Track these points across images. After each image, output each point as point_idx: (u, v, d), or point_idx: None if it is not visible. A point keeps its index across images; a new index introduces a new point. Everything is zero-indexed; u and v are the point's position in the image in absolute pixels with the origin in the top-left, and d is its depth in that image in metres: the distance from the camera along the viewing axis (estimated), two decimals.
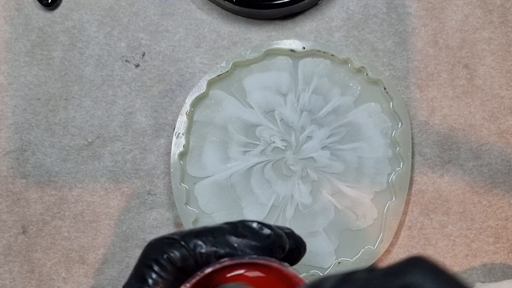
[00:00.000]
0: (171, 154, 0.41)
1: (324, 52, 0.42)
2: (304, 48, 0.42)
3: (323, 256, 0.41)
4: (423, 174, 0.42)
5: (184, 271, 0.27)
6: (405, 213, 0.42)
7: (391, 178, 0.41)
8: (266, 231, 0.28)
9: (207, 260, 0.27)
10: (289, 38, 0.43)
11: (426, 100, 0.43)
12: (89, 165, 0.43)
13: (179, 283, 0.27)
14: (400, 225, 0.42)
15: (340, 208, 0.41)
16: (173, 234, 0.28)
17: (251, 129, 0.42)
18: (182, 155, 0.41)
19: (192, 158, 0.42)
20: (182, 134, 0.41)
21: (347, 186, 0.41)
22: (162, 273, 0.27)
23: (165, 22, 0.44)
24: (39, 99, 0.43)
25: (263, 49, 0.42)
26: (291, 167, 0.42)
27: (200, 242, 0.27)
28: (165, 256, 0.27)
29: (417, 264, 0.19)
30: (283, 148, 0.42)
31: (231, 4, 0.42)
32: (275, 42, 0.42)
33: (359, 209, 0.41)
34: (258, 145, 0.42)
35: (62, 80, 0.43)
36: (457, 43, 0.43)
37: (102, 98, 0.43)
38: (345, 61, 0.42)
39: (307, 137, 0.42)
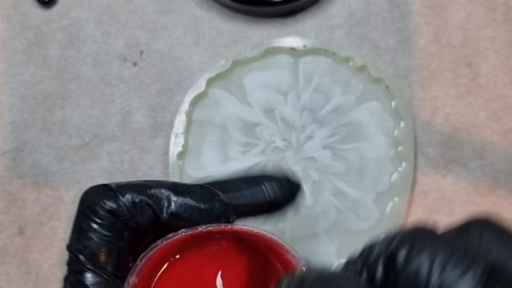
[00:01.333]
0: (170, 154, 0.41)
1: (325, 51, 0.41)
2: (304, 46, 0.41)
3: (324, 257, 0.40)
4: (426, 174, 0.42)
5: (117, 216, 0.26)
6: (407, 214, 0.41)
7: (393, 178, 0.41)
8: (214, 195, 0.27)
9: (141, 210, 0.26)
10: (289, 36, 0.42)
11: (428, 99, 0.42)
12: (86, 165, 0.42)
13: (120, 233, 0.26)
14: (403, 226, 0.41)
15: (342, 209, 0.41)
16: (111, 183, 0.27)
17: (251, 129, 0.42)
18: (181, 155, 0.41)
19: (191, 158, 0.41)
20: (181, 134, 0.41)
21: (348, 186, 0.41)
22: (100, 221, 0.26)
23: (163, 20, 0.43)
24: (36, 98, 0.43)
25: (263, 47, 0.41)
26: (291, 167, 0.41)
27: (135, 195, 0.26)
28: (99, 203, 0.26)
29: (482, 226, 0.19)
30: (284, 147, 0.41)
31: (230, 1, 0.41)
32: (275, 40, 0.42)
33: (361, 210, 0.41)
34: (258, 144, 0.41)
35: (59, 79, 0.43)
36: (459, 41, 0.43)
37: (100, 97, 0.43)
38: (347, 60, 0.42)
39: (308, 136, 0.41)
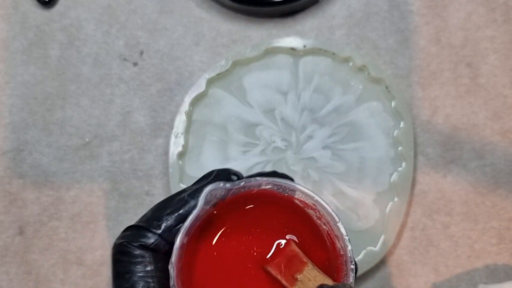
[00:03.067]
0: (170, 154, 0.41)
1: (325, 51, 0.41)
2: (305, 46, 0.41)
3: None
4: (426, 174, 0.42)
5: (149, 246, 0.27)
6: (407, 213, 0.42)
7: (393, 178, 0.41)
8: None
9: (168, 228, 0.27)
10: (289, 36, 0.42)
11: (428, 99, 0.42)
12: (87, 165, 0.42)
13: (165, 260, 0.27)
14: (402, 226, 0.41)
15: (342, 208, 0.41)
16: (137, 223, 0.28)
17: (251, 129, 0.42)
18: (181, 155, 0.41)
19: (191, 158, 0.41)
20: (181, 134, 0.41)
21: (348, 186, 0.41)
22: (134, 259, 0.26)
23: (163, 20, 0.43)
24: (36, 98, 0.43)
25: (263, 48, 0.41)
26: (291, 167, 0.41)
27: (166, 224, 0.27)
28: (129, 244, 0.27)
29: None
30: (284, 148, 0.41)
31: (230, 1, 0.41)
32: (275, 40, 0.42)
33: (361, 209, 0.41)
34: (258, 144, 0.41)
35: (59, 79, 0.43)
36: (459, 41, 0.43)
37: (100, 97, 0.43)
38: (347, 60, 0.42)
39: (308, 136, 0.41)
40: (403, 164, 0.41)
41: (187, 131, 0.41)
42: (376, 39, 0.43)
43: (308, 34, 0.43)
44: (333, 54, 0.41)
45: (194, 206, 0.26)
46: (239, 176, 0.28)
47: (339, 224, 0.27)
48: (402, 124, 0.41)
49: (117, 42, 0.43)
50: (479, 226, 0.41)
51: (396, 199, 0.41)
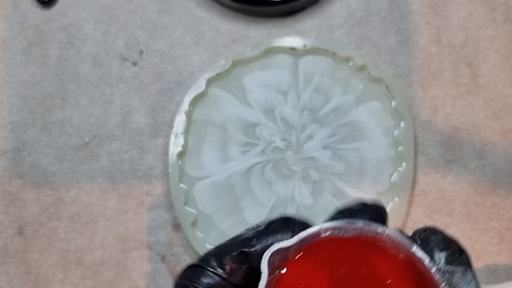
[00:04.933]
0: (170, 154, 0.41)
1: (325, 50, 0.41)
2: (305, 46, 0.41)
3: None
4: (426, 174, 0.42)
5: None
6: (407, 213, 0.41)
7: (393, 178, 0.41)
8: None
9: (234, 270, 0.25)
10: (289, 36, 0.42)
11: (428, 99, 0.42)
12: (86, 165, 0.42)
13: None
14: (403, 226, 0.41)
15: None
16: (195, 261, 0.26)
17: (251, 129, 0.41)
18: (181, 155, 0.41)
19: (191, 158, 0.41)
20: (181, 134, 0.41)
21: (348, 186, 0.41)
22: None
23: (163, 20, 0.43)
24: (35, 98, 0.43)
25: (263, 47, 0.41)
26: (291, 167, 0.41)
27: (219, 258, 0.25)
28: (193, 286, 0.25)
29: None
30: (284, 147, 0.41)
31: (230, 1, 0.41)
32: (275, 40, 0.42)
33: None
34: (258, 144, 0.41)
35: (59, 79, 0.43)
36: (460, 41, 0.43)
37: (100, 97, 0.43)
38: (347, 59, 0.42)
39: (308, 136, 0.41)
40: (403, 164, 0.41)
41: (187, 131, 0.41)
42: (376, 39, 0.43)
43: (308, 33, 0.43)
44: (333, 54, 0.41)
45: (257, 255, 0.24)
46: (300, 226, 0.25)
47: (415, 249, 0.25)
48: (402, 124, 0.41)
49: (117, 42, 0.43)
50: (480, 226, 0.41)
51: (396, 199, 0.41)
